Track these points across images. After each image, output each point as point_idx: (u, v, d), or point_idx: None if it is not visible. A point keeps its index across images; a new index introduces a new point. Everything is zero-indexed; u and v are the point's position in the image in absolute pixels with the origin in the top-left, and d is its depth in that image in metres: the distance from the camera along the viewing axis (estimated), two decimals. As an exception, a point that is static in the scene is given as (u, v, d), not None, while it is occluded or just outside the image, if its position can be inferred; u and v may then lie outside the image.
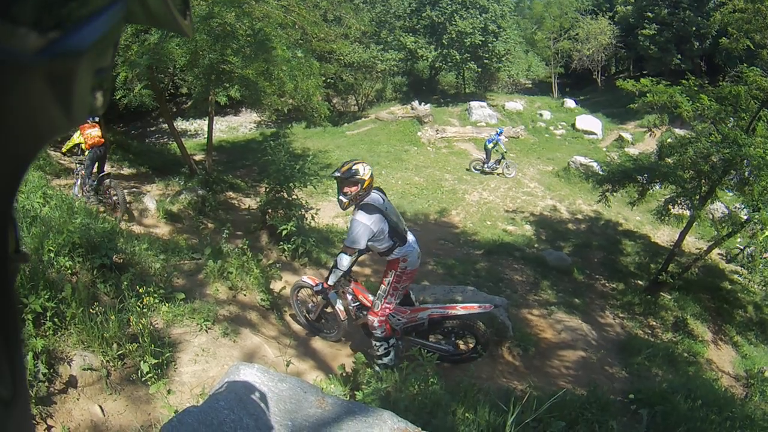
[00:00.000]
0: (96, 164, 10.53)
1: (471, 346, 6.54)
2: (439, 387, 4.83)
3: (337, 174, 5.47)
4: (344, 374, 5.63)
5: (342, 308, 6.31)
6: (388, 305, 5.80)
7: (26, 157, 0.36)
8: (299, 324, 6.86)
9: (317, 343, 6.75)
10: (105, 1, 0.35)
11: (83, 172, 10.50)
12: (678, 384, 6.64)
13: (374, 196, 5.56)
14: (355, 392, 4.82)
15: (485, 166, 21.25)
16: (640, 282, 13.15)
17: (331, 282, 5.87)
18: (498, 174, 21.05)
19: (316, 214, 10.23)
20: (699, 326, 11.36)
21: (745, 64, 10.87)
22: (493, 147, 20.94)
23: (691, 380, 7.27)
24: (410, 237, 5.82)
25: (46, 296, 4.38)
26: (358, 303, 6.21)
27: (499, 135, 21.16)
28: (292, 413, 2.48)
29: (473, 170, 21.42)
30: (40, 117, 0.34)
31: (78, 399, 4.04)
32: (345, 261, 5.64)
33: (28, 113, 0.33)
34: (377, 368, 5.62)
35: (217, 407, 2.33)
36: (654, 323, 11.12)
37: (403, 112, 28.48)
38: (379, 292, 5.83)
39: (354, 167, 5.43)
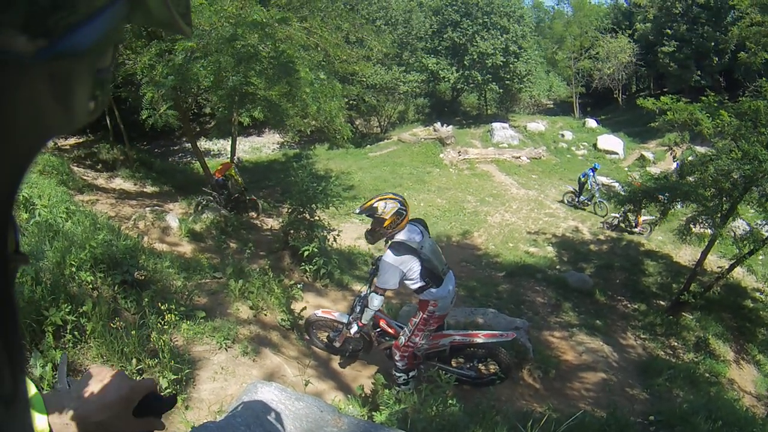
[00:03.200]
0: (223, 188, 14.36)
1: (492, 370, 6.48)
2: (458, 409, 4.80)
3: (357, 211, 5.32)
4: (363, 395, 5.60)
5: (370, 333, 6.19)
6: (412, 344, 5.69)
7: (26, 157, 0.35)
8: (318, 348, 6.83)
9: (336, 364, 6.73)
10: (105, 1, 0.35)
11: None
12: (699, 405, 6.53)
13: (409, 233, 5.26)
14: (374, 413, 4.79)
15: (576, 200, 20.45)
16: (662, 302, 13.02)
17: (364, 321, 5.66)
18: (589, 211, 20.10)
19: (338, 235, 10.21)
20: (721, 346, 11.22)
21: (764, 78, 10.76)
22: (586, 181, 19.99)
23: (712, 401, 7.16)
24: (448, 280, 5.57)
25: (67, 309, 4.42)
26: (379, 329, 6.15)
27: (593, 170, 20.20)
28: None
29: (565, 202, 20.77)
30: (40, 117, 0.34)
31: (94, 418, 4.06)
32: (377, 301, 5.42)
33: (28, 113, 0.32)
34: (396, 390, 5.53)
35: (234, 423, 2.33)
36: (675, 344, 11.01)
37: (426, 133, 28.56)
38: (406, 328, 5.75)
39: (374, 204, 5.17)
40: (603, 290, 13.05)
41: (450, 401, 4.82)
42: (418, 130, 29.85)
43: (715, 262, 15.21)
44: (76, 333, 4.40)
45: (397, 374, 5.88)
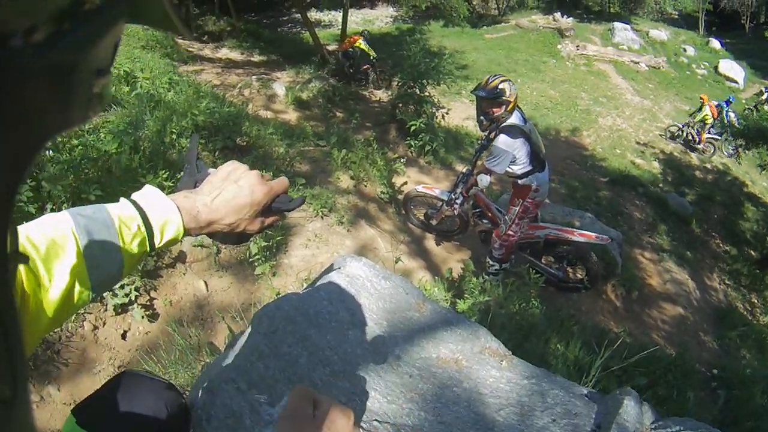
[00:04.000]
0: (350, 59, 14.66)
1: (580, 276, 6.45)
2: (539, 311, 4.78)
3: (481, 93, 5.09)
4: (450, 278, 5.66)
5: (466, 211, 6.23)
6: (512, 232, 5.69)
7: (25, 158, 0.34)
8: (413, 225, 6.90)
9: (430, 242, 6.82)
10: (105, 1, 0.34)
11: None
12: (760, 375, 6.29)
13: (517, 117, 5.19)
14: (457, 300, 4.84)
15: (707, 133, 17.42)
16: (753, 252, 12.40)
17: (470, 194, 5.81)
18: (711, 149, 17.31)
19: (447, 113, 10.16)
20: (797, 317, 10.62)
21: None
22: (719, 113, 17.24)
23: None
24: (548, 164, 5.56)
25: (165, 175, 4.57)
26: (479, 209, 6.17)
27: (727, 103, 17.67)
28: (390, 313, 2.50)
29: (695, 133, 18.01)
30: (39, 117, 0.33)
31: (184, 274, 4.27)
32: (486, 181, 5.46)
33: (27, 113, 0.31)
34: (483, 279, 5.56)
35: (316, 297, 2.38)
36: (755, 301, 10.50)
37: (545, 22, 27.50)
38: (505, 217, 5.74)
39: (500, 86, 5.01)
40: (700, 221, 12.58)
41: (533, 301, 4.80)
42: (537, 18, 28.79)
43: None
44: (172, 198, 4.57)
45: (491, 262, 5.96)
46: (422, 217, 6.80)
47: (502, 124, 5.13)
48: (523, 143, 5.13)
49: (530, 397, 2.26)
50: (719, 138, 16.77)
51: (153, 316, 3.88)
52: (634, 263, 8.83)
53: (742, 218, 13.99)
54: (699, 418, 2.95)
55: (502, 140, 5.08)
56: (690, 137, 17.23)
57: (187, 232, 1.01)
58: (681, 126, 17.48)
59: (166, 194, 1.00)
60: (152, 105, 6.04)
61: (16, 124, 0.31)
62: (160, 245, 0.97)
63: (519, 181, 5.45)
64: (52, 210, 3.62)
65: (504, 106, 5.06)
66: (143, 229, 0.93)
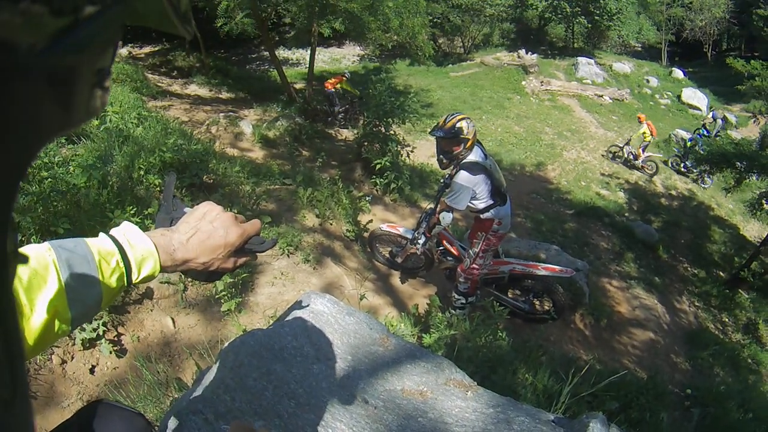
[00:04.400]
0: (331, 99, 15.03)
1: (546, 307, 6.49)
2: (507, 343, 4.80)
3: (439, 133, 5.13)
4: (416, 314, 5.66)
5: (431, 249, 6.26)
6: (476, 266, 5.71)
7: (25, 158, 0.35)
8: (379, 262, 6.93)
9: (396, 280, 6.82)
10: (106, 1, 0.34)
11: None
12: (735, 390, 6.41)
13: (477, 153, 5.20)
14: (423, 335, 4.85)
15: (683, 165, 18.55)
16: (721, 273, 12.62)
17: (433, 233, 5.85)
18: (692, 178, 18.31)
19: (412, 151, 10.21)
20: (769, 334, 10.84)
21: None
22: (694, 145, 17.52)
23: (749, 389, 6.98)
24: (509, 198, 5.60)
25: (132, 211, 4.56)
26: (442, 248, 6.20)
27: (701, 135, 18.07)
28: (354, 348, 2.52)
29: (669, 166, 18.98)
30: (40, 118, 0.34)
31: (152, 310, 4.24)
32: (448, 218, 5.45)
33: (27, 115, 0.32)
34: (450, 313, 5.59)
35: (281, 333, 2.39)
36: (726, 320, 10.70)
37: (509, 59, 27.86)
38: (469, 251, 5.75)
39: (458, 125, 5.03)
40: (667, 248, 12.75)
41: (500, 333, 4.83)
42: (502, 55, 29.15)
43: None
44: (140, 234, 4.57)
45: (457, 296, 5.95)
46: (388, 255, 6.82)
47: (463, 161, 5.17)
48: (483, 179, 5.19)
49: (496, 425, 2.28)
50: (660, 155, 17.89)
51: (121, 352, 3.84)
52: (602, 292, 8.94)
53: (709, 241, 14.24)
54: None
55: (463, 176, 5.13)
56: (630, 156, 17.86)
57: (163, 269, 1.03)
58: (621, 146, 18.24)
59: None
60: (121, 140, 6.05)
61: (19, 123, 0.32)
62: (137, 281, 0.99)
63: (481, 216, 5.49)
64: (20, 242, 3.60)
65: (463, 144, 5.09)
66: (122, 264, 0.96)
